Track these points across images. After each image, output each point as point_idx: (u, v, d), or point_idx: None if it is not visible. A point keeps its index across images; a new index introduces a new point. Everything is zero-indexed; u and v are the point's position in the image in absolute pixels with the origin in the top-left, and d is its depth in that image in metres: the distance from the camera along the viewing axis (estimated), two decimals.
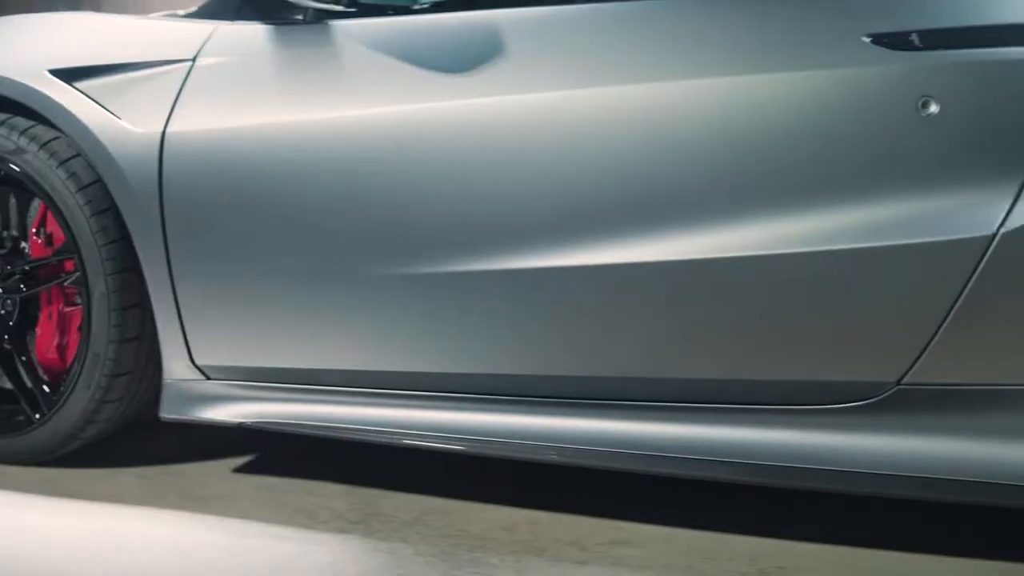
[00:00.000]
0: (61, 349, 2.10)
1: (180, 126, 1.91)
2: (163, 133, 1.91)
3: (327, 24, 1.91)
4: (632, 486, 1.98)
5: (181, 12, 2.12)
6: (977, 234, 1.60)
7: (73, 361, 2.04)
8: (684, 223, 1.71)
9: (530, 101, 1.78)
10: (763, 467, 1.73)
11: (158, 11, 2.31)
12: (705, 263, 1.70)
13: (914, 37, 1.66)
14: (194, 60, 1.95)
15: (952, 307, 1.63)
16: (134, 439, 2.25)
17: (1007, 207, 1.59)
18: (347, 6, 1.86)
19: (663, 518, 1.86)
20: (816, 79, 1.68)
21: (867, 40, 1.66)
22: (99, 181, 1.96)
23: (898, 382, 1.68)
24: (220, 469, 2.12)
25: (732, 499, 1.94)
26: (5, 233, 2.16)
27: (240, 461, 2.16)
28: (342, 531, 1.82)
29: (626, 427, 1.79)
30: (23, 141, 2.03)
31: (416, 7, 1.93)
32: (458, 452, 1.90)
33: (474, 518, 1.87)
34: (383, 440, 1.91)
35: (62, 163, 1.99)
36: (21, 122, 2.05)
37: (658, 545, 1.77)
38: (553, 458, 1.85)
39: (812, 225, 1.66)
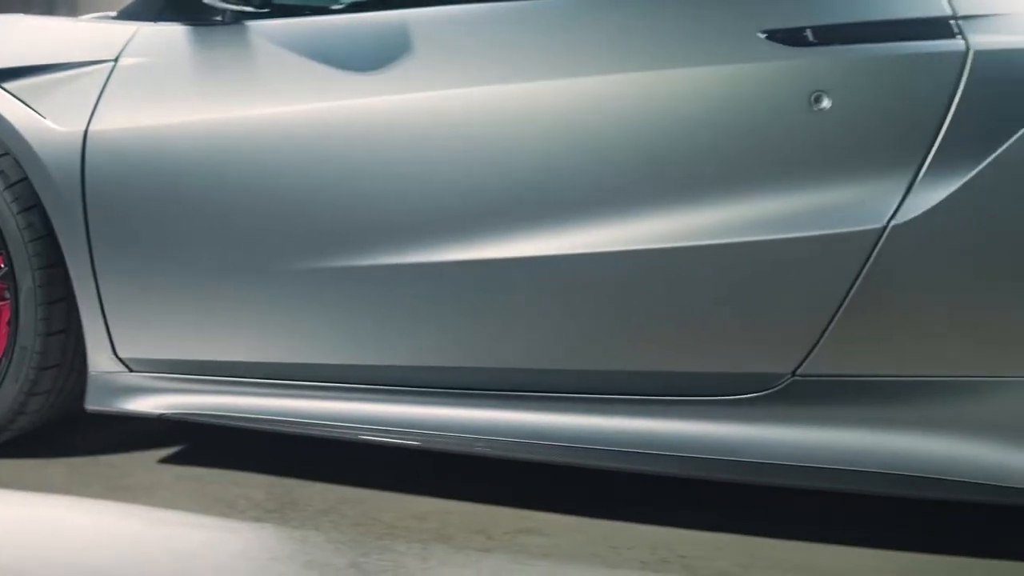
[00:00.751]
0: None
1: (101, 125, 1.97)
2: (85, 132, 1.96)
3: (244, 25, 1.96)
4: (542, 476, 2.01)
5: (112, 13, 2.18)
6: (868, 227, 1.63)
7: (2, 355, 2.08)
8: (584, 217, 1.75)
9: (441, 98, 1.82)
10: (663, 457, 1.77)
11: None
12: (603, 256, 1.73)
13: (808, 33, 1.69)
14: (116, 60, 2.00)
15: (844, 299, 1.66)
16: (65, 431, 2.30)
17: (898, 200, 1.63)
18: (259, 7, 1.90)
19: (570, 507, 1.90)
20: (712, 75, 1.71)
21: (762, 36, 1.69)
22: (26, 179, 2.01)
23: (793, 373, 1.71)
24: (146, 460, 2.16)
25: (636, 489, 1.97)
26: None
27: (166, 452, 2.21)
28: (257, 520, 1.86)
29: (532, 418, 1.82)
30: None
31: (333, 7, 1.98)
32: (377, 443, 1.93)
33: (387, 507, 1.91)
34: (299, 431, 1.96)
35: None
36: None
37: (563, 534, 1.80)
38: (481, 450, 1.89)
39: (707, 219, 1.70)
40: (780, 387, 1.71)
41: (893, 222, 1.62)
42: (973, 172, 1.58)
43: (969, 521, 1.82)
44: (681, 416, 1.76)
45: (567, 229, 1.75)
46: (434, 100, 1.82)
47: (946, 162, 1.60)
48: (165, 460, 2.16)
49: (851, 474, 1.69)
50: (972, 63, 1.59)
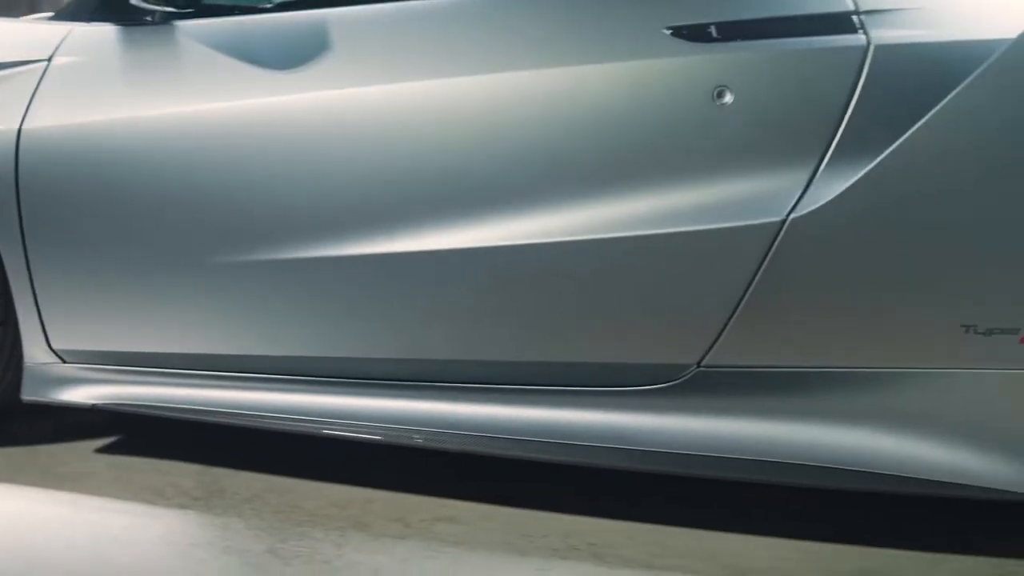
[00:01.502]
0: None
1: (35, 123, 2.01)
2: (19, 130, 2.01)
3: (172, 24, 2.00)
4: (468, 466, 2.04)
5: (51, 14, 2.23)
6: (769, 219, 1.66)
7: None
8: (496, 211, 1.78)
9: (363, 94, 1.85)
10: (574, 447, 1.80)
11: None
12: (511, 249, 1.76)
13: (712, 29, 1.71)
14: (50, 60, 2.05)
15: (746, 291, 1.68)
16: (7, 421, 2.33)
17: (797, 194, 1.65)
18: (182, 7, 1.95)
19: (487, 496, 1.93)
20: (618, 71, 1.74)
21: (667, 32, 1.72)
22: None
23: (698, 364, 1.73)
24: (83, 449, 2.21)
25: (551, 479, 2.00)
26: None
27: (104, 442, 2.25)
28: (183, 507, 1.91)
29: (441, 408, 1.85)
30: None
31: (261, 7, 2.01)
32: (309, 434, 1.97)
33: (310, 496, 1.95)
34: (231, 422, 1.99)
35: None
36: None
37: (478, 522, 1.84)
38: (418, 442, 1.92)
39: (611, 212, 1.72)
40: (685, 378, 1.74)
41: (793, 215, 1.64)
42: (871, 165, 1.60)
43: (879, 512, 1.84)
44: (589, 407, 1.78)
45: (477, 223, 1.78)
46: (356, 96, 1.85)
47: (846, 156, 1.62)
48: (101, 450, 2.21)
49: (756, 464, 1.71)
50: (872, 57, 1.61)
